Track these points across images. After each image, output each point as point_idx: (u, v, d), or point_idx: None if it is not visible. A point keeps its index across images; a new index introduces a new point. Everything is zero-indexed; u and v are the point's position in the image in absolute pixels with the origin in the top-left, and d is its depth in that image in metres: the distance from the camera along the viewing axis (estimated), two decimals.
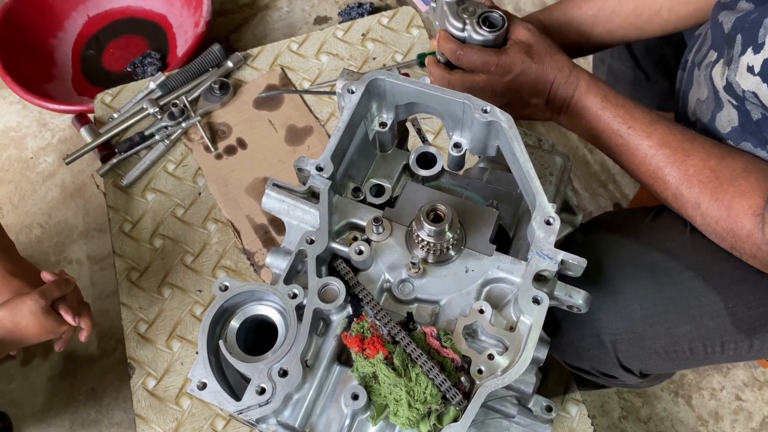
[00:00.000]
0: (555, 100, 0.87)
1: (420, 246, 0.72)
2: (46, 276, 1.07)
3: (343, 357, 0.71)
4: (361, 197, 0.82)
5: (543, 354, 0.74)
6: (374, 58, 1.53)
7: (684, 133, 0.81)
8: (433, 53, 0.95)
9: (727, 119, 0.82)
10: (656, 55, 1.35)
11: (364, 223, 0.76)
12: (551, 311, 0.69)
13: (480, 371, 0.67)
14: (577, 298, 0.71)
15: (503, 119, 0.74)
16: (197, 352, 0.66)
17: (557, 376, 1.19)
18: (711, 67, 0.85)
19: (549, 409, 0.79)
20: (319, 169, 0.74)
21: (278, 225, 1.34)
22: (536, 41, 0.86)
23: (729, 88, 0.79)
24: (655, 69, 1.38)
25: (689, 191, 0.78)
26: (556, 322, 0.93)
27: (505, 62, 0.85)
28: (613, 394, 1.48)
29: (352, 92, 0.77)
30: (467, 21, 0.87)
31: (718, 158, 0.78)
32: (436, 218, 0.71)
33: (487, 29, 0.86)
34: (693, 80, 0.92)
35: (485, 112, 0.74)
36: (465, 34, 0.87)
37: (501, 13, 0.87)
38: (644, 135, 0.81)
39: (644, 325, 0.85)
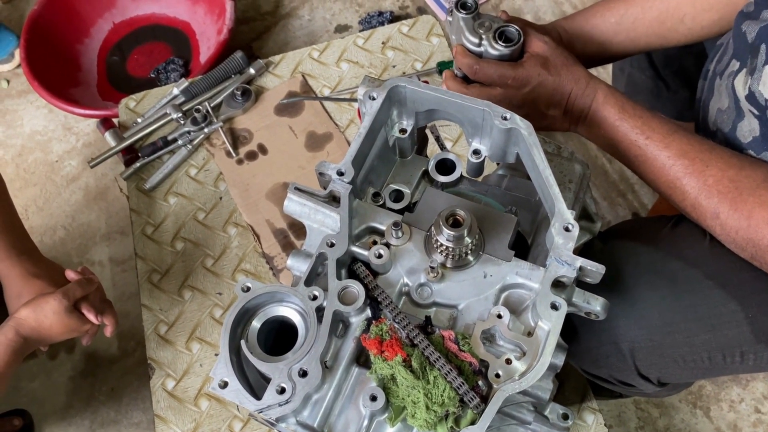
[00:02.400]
0: (572, 111, 0.88)
1: (439, 251, 0.73)
2: (70, 275, 1.09)
3: (361, 359, 0.72)
4: (381, 202, 0.83)
5: (560, 360, 0.74)
6: (394, 66, 1.54)
7: (702, 144, 0.81)
8: (452, 63, 0.96)
9: (748, 129, 0.82)
10: (676, 64, 1.35)
11: (383, 228, 0.77)
12: (569, 318, 0.70)
13: (497, 375, 0.67)
14: (595, 305, 0.72)
15: (523, 126, 0.75)
16: (216, 354, 0.68)
17: (574, 385, 1.19)
18: (733, 76, 0.85)
19: (565, 417, 0.79)
20: (340, 173, 0.75)
21: (297, 230, 1.35)
22: (552, 53, 0.87)
23: (751, 97, 0.79)
24: (676, 79, 1.37)
25: (708, 201, 0.79)
26: (573, 329, 0.93)
27: (521, 75, 0.86)
28: (630, 404, 1.47)
29: (374, 99, 0.79)
30: (483, 36, 0.87)
31: (738, 168, 0.78)
32: (455, 223, 0.71)
33: (503, 44, 0.87)
34: (714, 90, 0.92)
35: (505, 119, 0.75)
36: (481, 49, 0.88)
37: (517, 27, 0.88)
38: (662, 145, 0.81)
39: (663, 334, 0.85)
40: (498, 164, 0.96)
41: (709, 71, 0.97)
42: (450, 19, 0.94)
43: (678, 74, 1.36)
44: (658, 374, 0.91)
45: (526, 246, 0.83)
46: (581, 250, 0.93)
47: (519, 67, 0.86)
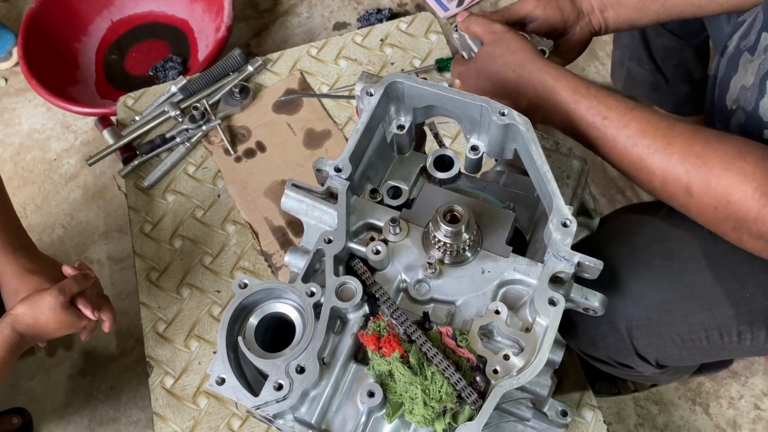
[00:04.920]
0: (520, 102, 0.85)
1: (436, 247, 0.73)
2: (67, 270, 1.09)
3: (359, 355, 0.72)
4: (379, 198, 0.83)
5: (558, 356, 0.74)
6: (392, 63, 1.54)
7: (662, 120, 0.76)
8: (450, 59, 0.98)
9: None
10: (676, 58, 1.34)
11: (381, 224, 0.77)
12: (566, 314, 0.70)
13: (495, 371, 0.67)
14: (593, 301, 0.72)
15: (521, 122, 0.74)
16: (215, 352, 0.67)
17: (573, 382, 1.19)
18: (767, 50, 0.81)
19: (564, 414, 0.79)
20: (338, 170, 0.75)
21: (295, 227, 1.35)
22: (501, 39, 0.87)
23: None
24: (675, 72, 1.37)
25: (675, 179, 0.74)
26: (571, 324, 0.93)
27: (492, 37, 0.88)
28: (629, 401, 1.47)
29: (371, 95, 0.78)
30: None
31: (704, 143, 0.73)
32: (452, 219, 0.71)
33: None
34: (739, 66, 0.87)
35: (503, 114, 0.75)
36: None
37: (524, 34, 0.90)
38: (621, 125, 0.77)
39: (660, 312, 0.84)
40: (496, 160, 0.96)
41: (727, 47, 0.92)
42: (456, 36, 0.95)
43: (677, 68, 1.35)
44: (656, 354, 0.91)
45: (524, 242, 0.83)
46: (579, 245, 0.92)
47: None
